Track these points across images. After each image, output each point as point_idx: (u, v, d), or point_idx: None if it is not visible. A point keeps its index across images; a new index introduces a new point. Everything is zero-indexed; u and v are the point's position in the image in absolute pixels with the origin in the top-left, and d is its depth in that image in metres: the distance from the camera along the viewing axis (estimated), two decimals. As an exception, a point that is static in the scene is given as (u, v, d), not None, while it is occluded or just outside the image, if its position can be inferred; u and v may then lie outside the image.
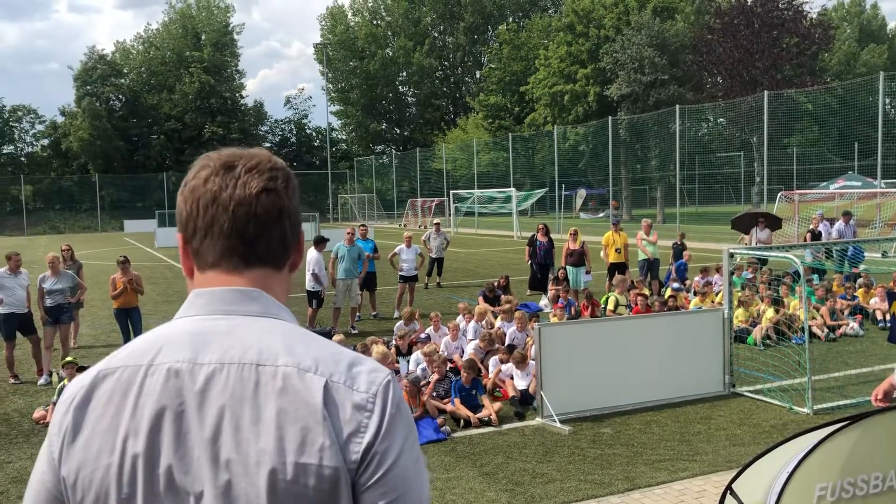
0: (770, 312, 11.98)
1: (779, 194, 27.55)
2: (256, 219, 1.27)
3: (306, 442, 1.13)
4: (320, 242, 13.27)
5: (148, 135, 68.45)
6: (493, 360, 9.64)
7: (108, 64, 67.86)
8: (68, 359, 9.37)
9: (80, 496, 1.17)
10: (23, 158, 71.19)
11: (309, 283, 13.02)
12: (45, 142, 71.48)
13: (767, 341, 11.47)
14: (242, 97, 75.05)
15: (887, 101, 53.94)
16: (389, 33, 79.09)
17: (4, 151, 70.87)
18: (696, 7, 57.64)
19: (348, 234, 13.85)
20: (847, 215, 18.74)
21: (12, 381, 10.48)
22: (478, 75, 79.16)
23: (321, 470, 1.12)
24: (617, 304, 13.40)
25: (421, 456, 1.23)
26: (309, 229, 30.94)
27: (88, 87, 66.02)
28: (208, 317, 1.24)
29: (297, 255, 1.36)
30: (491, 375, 9.43)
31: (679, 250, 17.52)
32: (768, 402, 8.53)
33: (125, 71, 70.37)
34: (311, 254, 13.02)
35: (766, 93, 29.93)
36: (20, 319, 10.46)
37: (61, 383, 9.19)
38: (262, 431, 1.13)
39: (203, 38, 70.98)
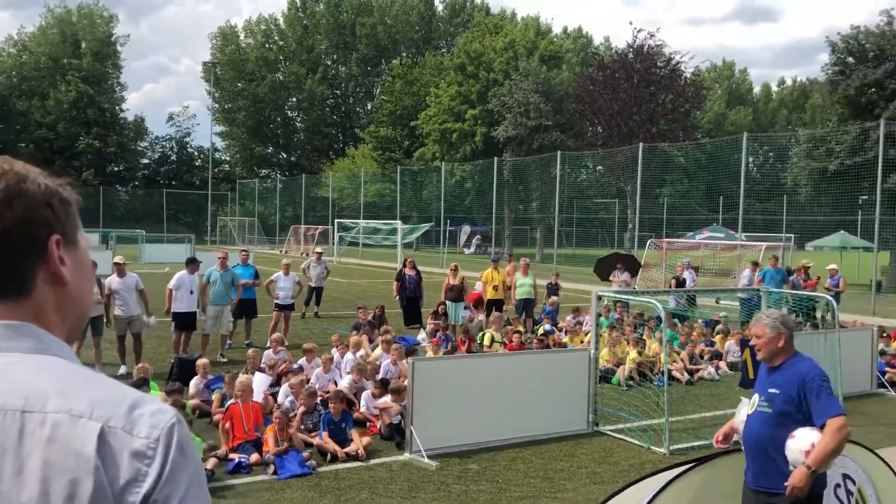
0: (633, 353, 12.48)
1: (648, 241, 28.93)
2: None
3: (75, 495, 1.03)
4: (191, 263, 12.84)
5: (15, 142, 64.37)
6: (365, 395, 9.55)
7: (-26, 65, 63.80)
8: None
9: None
10: None
11: (176, 306, 12.53)
12: None
13: (630, 382, 11.92)
14: (123, 110, 72.20)
15: (750, 159, 57.94)
16: (282, 57, 78.34)
17: None
18: (580, 59, 60.33)
19: (220, 258, 13.45)
20: (755, 265, 18.67)
21: None
22: (369, 107, 79.45)
23: None
24: (493, 341, 13.61)
25: (209, 499, 1.15)
26: (184, 251, 29.87)
27: (-50, 88, 61.77)
28: None
29: (50, 264, 1.18)
30: (362, 409, 9.35)
31: (553, 290, 18.03)
32: (629, 441, 8.84)
33: (-7, 73, 66.34)
34: (177, 274, 12.58)
35: (641, 144, 31.50)
36: None
37: None
38: (26, 484, 1.03)
39: (83, 46, 67.91)
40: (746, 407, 4.49)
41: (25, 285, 1.17)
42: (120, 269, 11.85)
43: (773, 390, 4.27)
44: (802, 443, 4.04)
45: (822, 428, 4.05)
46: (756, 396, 4.41)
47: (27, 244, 1.16)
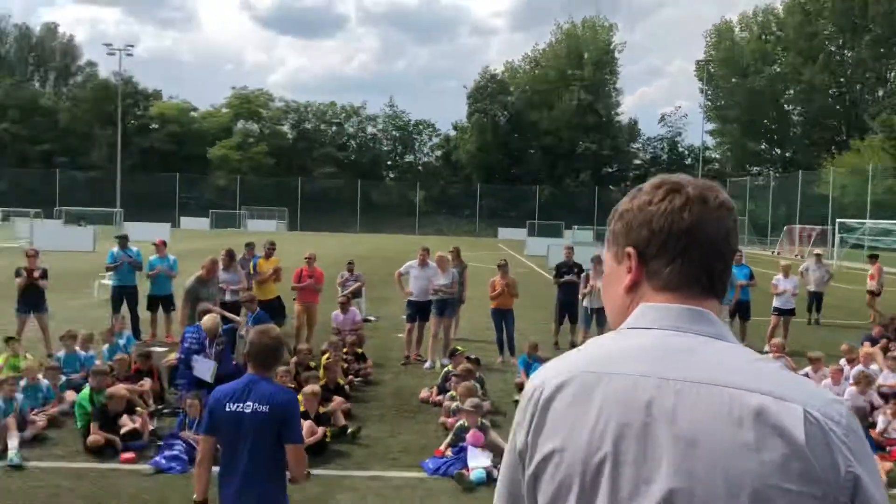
0: None
1: None
2: (723, 257, 1.35)
3: (789, 469, 1.13)
4: None
5: (525, 149, 73.11)
6: (880, 418, 8.60)
7: (498, 83, 73.79)
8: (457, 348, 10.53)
9: (543, 486, 1.27)
10: (419, 167, 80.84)
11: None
12: (438, 153, 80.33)
13: None
14: (618, 114, 76.36)
15: None
16: (779, 48, 74.25)
17: (406, 160, 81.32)
18: None
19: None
20: None
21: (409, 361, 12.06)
22: (880, 93, 70.60)
23: (801, 498, 1.13)
24: None
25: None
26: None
27: (478, 104, 72.48)
28: (662, 331, 1.29)
29: None
30: (878, 429, 8.44)
31: None
32: None
33: (512, 89, 75.84)
34: None
35: None
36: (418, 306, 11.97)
37: (444, 370, 10.23)
38: (741, 452, 1.14)
39: (585, 56, 73.55)
40: None
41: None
42: None
43: None
44: None
45: None
46: None
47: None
